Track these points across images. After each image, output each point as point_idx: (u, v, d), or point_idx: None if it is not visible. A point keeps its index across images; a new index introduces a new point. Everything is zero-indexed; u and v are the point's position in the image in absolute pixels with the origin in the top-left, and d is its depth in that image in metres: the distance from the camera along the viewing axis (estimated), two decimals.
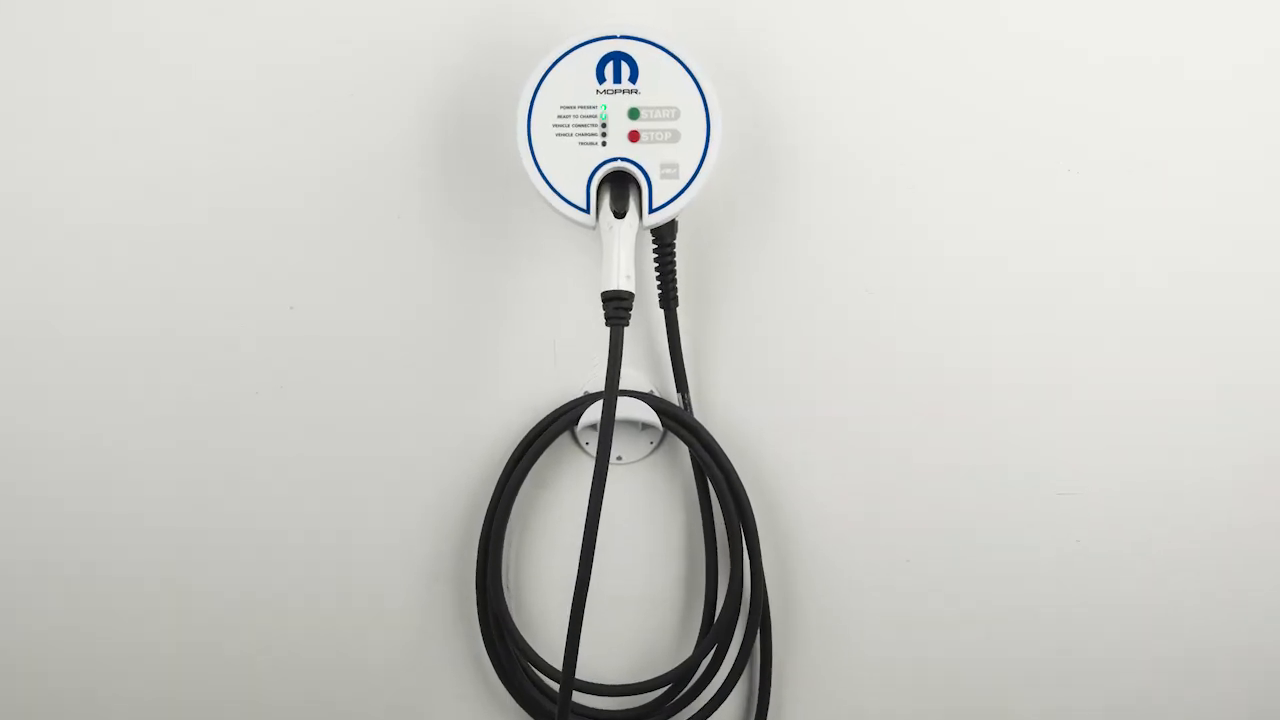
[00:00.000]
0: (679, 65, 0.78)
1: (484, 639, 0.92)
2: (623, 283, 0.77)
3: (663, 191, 0.79)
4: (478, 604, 0.91)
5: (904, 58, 0.85)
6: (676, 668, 0.90)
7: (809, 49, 0.85)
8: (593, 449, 0.91)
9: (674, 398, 0.90)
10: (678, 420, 0.88)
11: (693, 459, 0.90)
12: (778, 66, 0.85)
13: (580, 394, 0.90)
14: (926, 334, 0.89)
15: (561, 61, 0.78)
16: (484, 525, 0.90)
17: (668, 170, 0.79)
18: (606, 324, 0.78)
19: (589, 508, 0.77)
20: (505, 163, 0.86)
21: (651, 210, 0.79)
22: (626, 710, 0.93)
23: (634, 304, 0.79)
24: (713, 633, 0.90)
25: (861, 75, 0.86)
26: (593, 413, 0.88)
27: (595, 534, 0.77)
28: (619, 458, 0.92)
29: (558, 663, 0.86)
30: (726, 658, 0.92)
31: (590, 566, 0.78)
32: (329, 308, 0.89)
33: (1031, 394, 0.89)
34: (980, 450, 0.90)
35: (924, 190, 0.87)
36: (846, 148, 0.86)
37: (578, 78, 0.78)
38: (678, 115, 0.78)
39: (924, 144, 0.86)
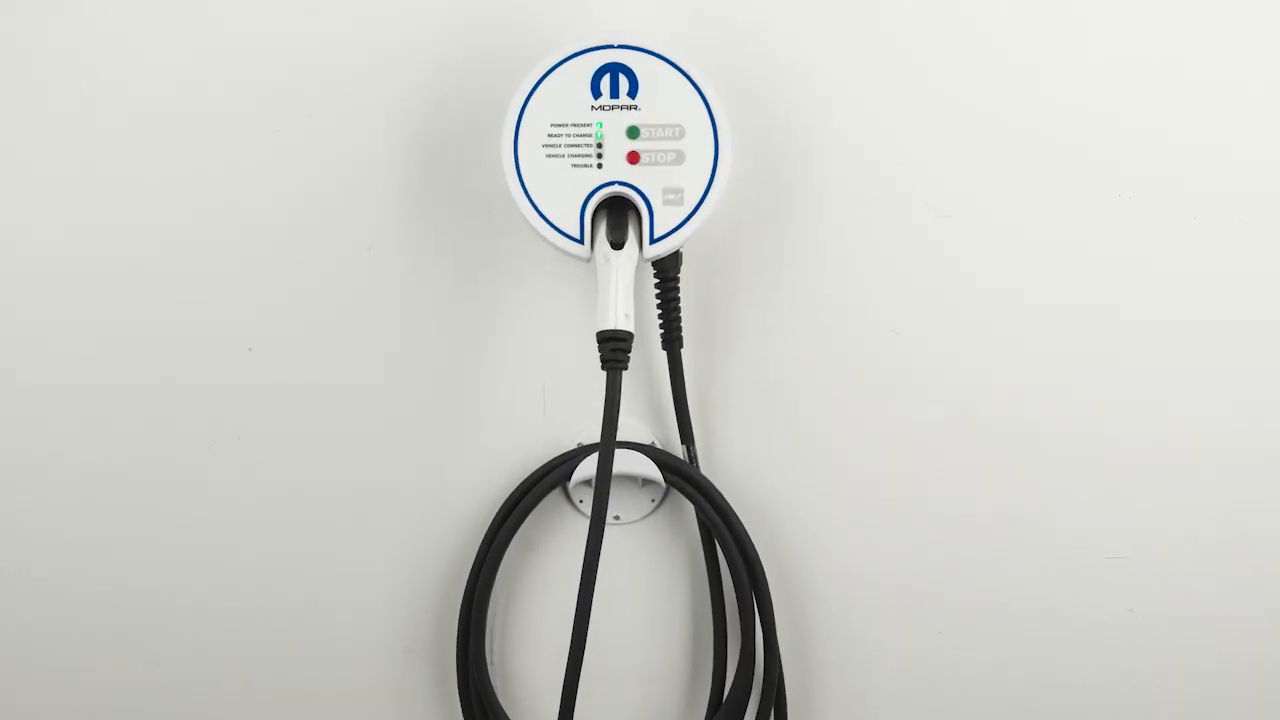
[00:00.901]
0: (683, 78, 0.76)
1: (465, 719, 0.89)
2: (621, 322, 0.75)
3: (665, 219, 0.77)
4: (458, 680, 0.88)
5: (938, 69, 0.84)
6: None
7: (830, 59, 0.84)
8: (587, 507, 0.88)
9: (678, 450, 0.87)
10: (682, 475, 0.86)
11: (699, 518, 0.87)
12: (795, 79, 0.84)
13: (573, 446, 0.88)
14: (961, 379, 0.86)
15: (552, 74, 0.76)
16: (465, 592, 0.87)
17: (671, 196, 0.76)
18: (603, 368, 0.75)
19: (583, 573, 0.76)
20: (489, 187, 0.84)
21: (653, 240, 0.77)
22: None
23: (633, 345, 0.77)
24: (721, 713, 0.87)
25: (890, 90, 0.84)
26: (587, 467, 0.86)
27: (590, 602, 0.76)
28: (616, 517, 0.89)
29: None
30: None
31: (584, 638, 0.76)
32: (291, 350, 0.87)
33: (1079, 445, 0.87)
34: (1022, 509, 0.88)
35: (959, 218, 0.85)
36: (873, 171, 0.84)
37: (570, 92, 0.76)
38: (682, 134, 0.76)
39: (959, 166, 0.84)
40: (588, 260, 0.77)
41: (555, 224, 0.77)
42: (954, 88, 0.84)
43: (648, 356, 0.88)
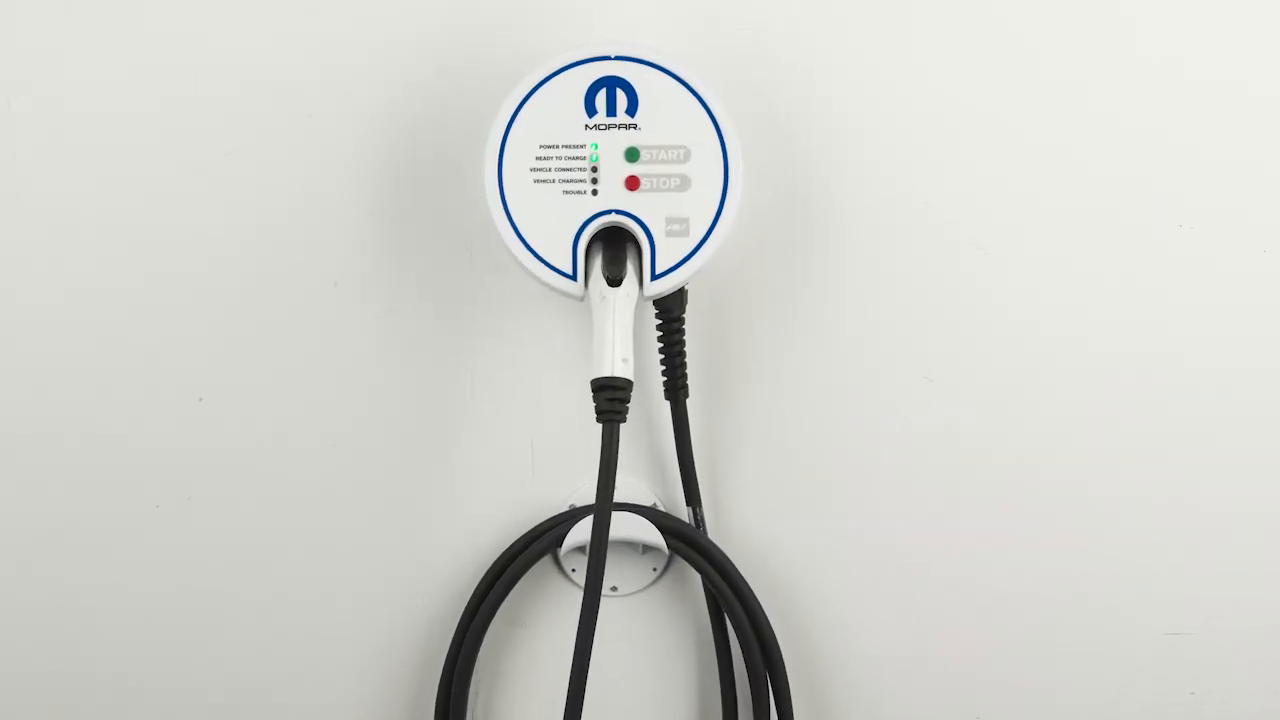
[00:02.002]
0: (689, 93, 0.75)
1: None
2: (618, 368, 0.73)
3: (668, 253, 0.75)
4: None
5: (979, 88, 0.84)
6: None
7: (857, 75, 0.83)
8: (580, 577, 0.88)
9: (683, 513, 0.87)
10: (687, 541, 0.85)
11: (706, 589, 0.87)
12: (815, 96, 0.83)
13: (565, 508, 0.87)
14: (1003, 435, 0.86)
15: (541, 89, 0.75)
16: (443, 673, 0.87)
17: (675, 226, 0.75)
18: (598, 420, 0.74)
19: (575, 651, 0.74)
20: (470, 217, 0.84)
21: (655, 276, 0.75)
22: None
23: (633, 394, 0.75)
24: None
25: (924, 111, 0.83)
26: (581, 531, 0.85)
27: (584, 684, 0.75)
28: (614, 588, 0.89)
29: None
30: None
31: None
32: (246, 400, 0.87)
33: (1136, 510, 0.87)
34: (1070, 580, 0.87)
35: (1001, 253, 0.85)
36: (904, 200, 0.84)
37: (562, 109, 0.75)
38: (687, 157, 0.75)
39: (998, 193, 0.84)
40: (581, 299, 0.76)
41: (544, 258, 0.76)
42: (997, 109, 0.84)
43: (649, 407, 0.87)
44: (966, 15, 0.83)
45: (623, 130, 0.75)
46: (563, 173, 0.75)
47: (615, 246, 0.76)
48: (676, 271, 0.75)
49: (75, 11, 0.84)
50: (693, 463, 0.85)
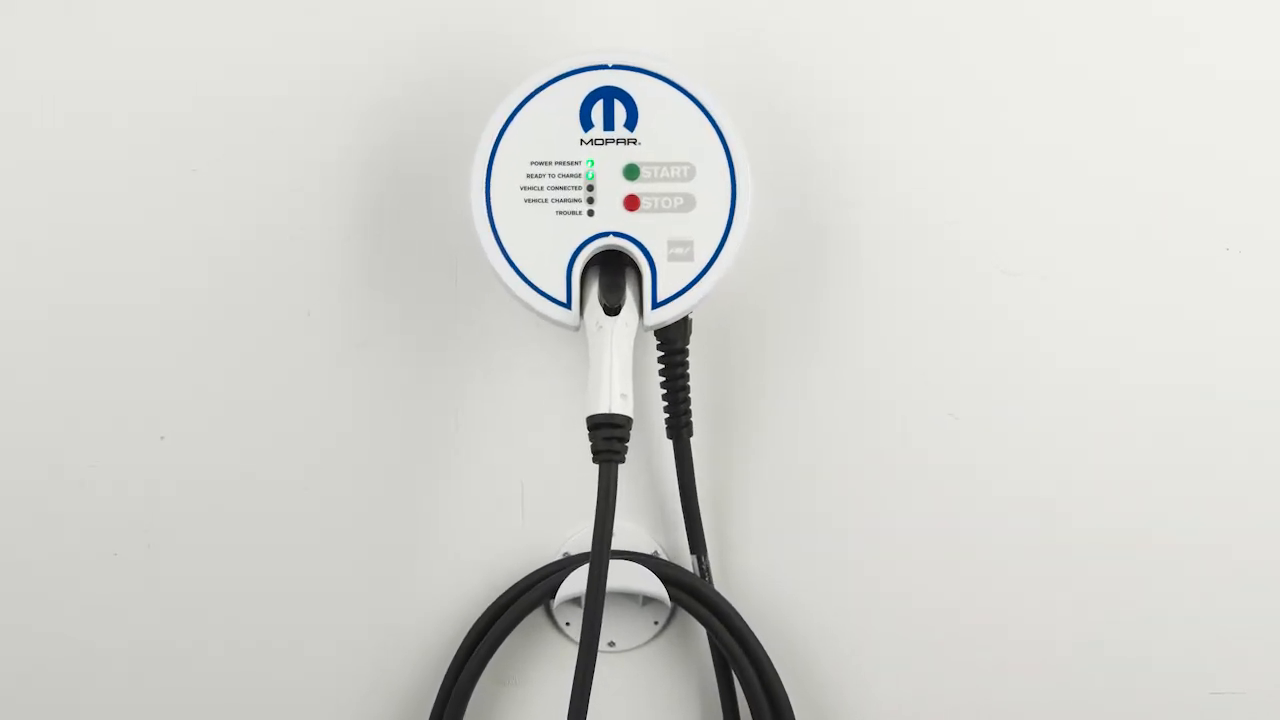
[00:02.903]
0: (693, 105, 0.73)
1: None
2: (616, 404, 0.71)
3: (671, 279, 0.74)
4: None
5: (1008, 97, 0.82)
6: None
7: (877, 84, 0.82)
8: (575, 631, 0.86)
9: (687, 562, 0.85)
10: (691, 592, 0.83)
11: (711, 644, 0.85)
12: (832, 108, 0.82)
13: (558, 556, 0.86)
14: (1035, 478, 0.84)
15: (533, 100, 0.74)
16: None
17: (678, 249, 0.74)
18: (594, 460, 0.72)
19: (570, 710, 0.72)
20: (454, 240, 0.83)
21: (656, 304, 0.74)
22: None
23: (632, 433, 0.73)
24: None
25: (947, 121, 0.82)
26: (575, 582, 0.83)
27: None
28: (612, 643, 0.87)
29: None
30: None
31: None
32: (213, 440, 0.86)
33: (1182, 561, 0.85)
34: (1107, 634, 0.85)
35: (1032, 278, 0.83)
36: (925, 219, 0.83)
37: (556, 122, 0.74)
38: (691, 174, 0.73)
39: (1030, 214, 0.83)
40: (576, 329, 0.75)
41: (536, 284, 0.74)
42: (1030, 123, 0.83)
43: (650, 446, 0.86)
44: (1001, 19, 0.82)
45: (621, 145, 0.74)
46: (556, 191, 0.74)
47: (613, 272, 0.75)
48: (680, 299, 0.74)
49: (18, 16, 0.83)
50: (697, 507, 0.84)
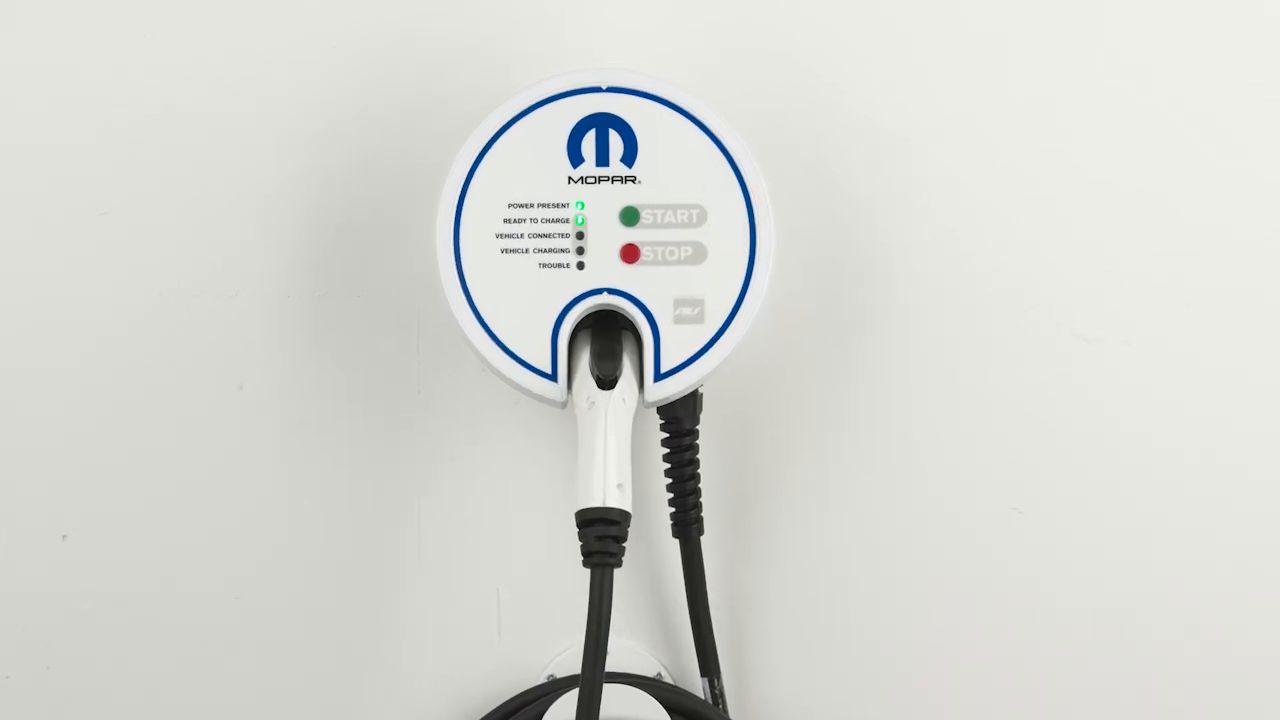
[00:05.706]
0: (704, 135, 0.67)
1: None
2: (611, 497, 0.65)
3: (678, 345, 0.67)
4: None
5: (1078, 131, 0.76)
6: None
7: (926, 112, 0.77)
8: None
9: (697, 687, 0.79)
10: None
11: None
12: (873, 141, 0.76)
13: (542, 679, 0.79)
14: (1114, 583, 0.78)
15: (511, 130, 0.68)
16: None
17: (686, 310, 0.67)
18: (585, 564, 0.66)
19: None
20: (416, 298, 0.77)
21: (659, 377, 0.68)
22: None
23: (631, 530, 0.66)
24: None
25: (1006, 157, 0.76)
26: (563, 710, 0.75)
27: None
28: None
29: None
30: None
31: None
32: (125, 540, 0.78)
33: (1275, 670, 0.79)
34: None
35: (1112, 346, 0.77)
36: (986, 277, 0.77)
37: (538, 156, 0.68)
38: (702, 218, 0.67)
39: (1108, 270, 0.76)
40: (563, 406, 0.68)
41: (515, 352, 0.68)
42: (1108, 165, 0.77)
43: (653, 547, 0.80)
44: (1081, 35, 0.76)
45: (617, 184, 0.67)
46: (539, 240, 0.67)
47: (607, 337, 0.68)
48: (687, 369, 0.67)
49: None
50: (709, 620, 0.77)
